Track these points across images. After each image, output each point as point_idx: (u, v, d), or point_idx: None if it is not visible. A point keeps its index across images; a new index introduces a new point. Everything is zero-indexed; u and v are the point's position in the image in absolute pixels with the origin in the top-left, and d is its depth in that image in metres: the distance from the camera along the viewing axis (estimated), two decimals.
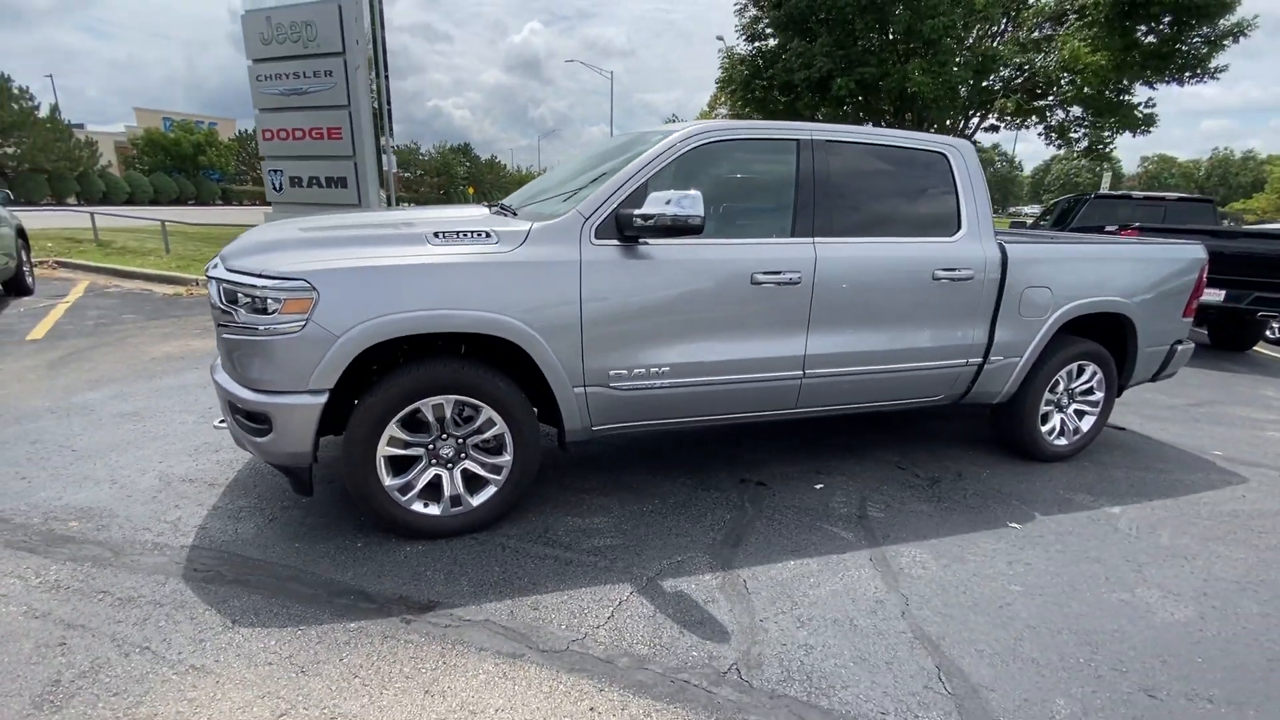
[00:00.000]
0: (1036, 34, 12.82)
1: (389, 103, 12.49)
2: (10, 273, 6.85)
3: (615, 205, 2.58)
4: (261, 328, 2.24)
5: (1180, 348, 3.90)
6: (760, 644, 2.06)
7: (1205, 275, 3.89)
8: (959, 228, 3.21)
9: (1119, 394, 3.95)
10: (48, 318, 6.33)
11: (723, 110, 19.15)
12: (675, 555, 2.56)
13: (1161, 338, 3.81)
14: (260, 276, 2.25)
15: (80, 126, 49.52)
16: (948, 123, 14.32)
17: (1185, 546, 2.82)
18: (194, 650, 1.92)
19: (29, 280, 7.45)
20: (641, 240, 2.61)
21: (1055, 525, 2.97)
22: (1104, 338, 3.74)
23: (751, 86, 14.58)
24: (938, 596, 2.36)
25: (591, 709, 1.76)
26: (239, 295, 2.28)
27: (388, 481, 2.46)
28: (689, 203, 2.37)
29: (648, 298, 2.65)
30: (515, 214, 2.93)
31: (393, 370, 2.42)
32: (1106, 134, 12.43)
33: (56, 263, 9.98)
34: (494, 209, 3.14)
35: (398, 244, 2.42)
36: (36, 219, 14.06)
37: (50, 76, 69.29)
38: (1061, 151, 18.13)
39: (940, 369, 3.26)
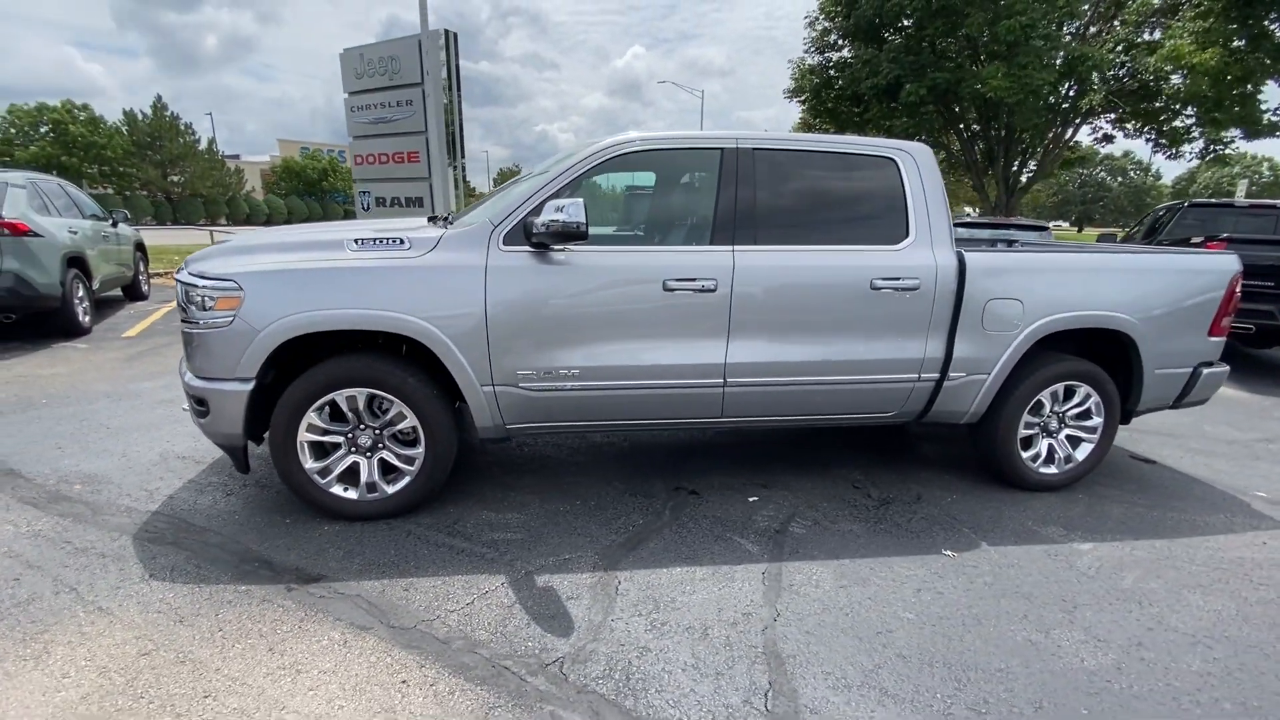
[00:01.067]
0: (1145, 32, 11.63)
1: (461, 127, 13.43)
2: (128, 280, 8.06)
3: (525, 214, 2.71)
4: (201, 322, 2.57)
5: (1207, 371, 3.43)
6: (598, 641, 2.08)
7: (1239, 289, 3.42)
8: (906, 235, 3.05)
9: (1126, 421, 3.55)
10: (147, 319, 7.38)
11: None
12: (565, 553, 2.61)
13: (1178, 359, 3.38)
14: (201, 278, 2.59)
15: (235, 157, 57.01)
16: (1039, 131, 13.30)
17: (1148, 591, 2.49)
18: (107, 595, 2.22)
19: (144, 287, 8.71)
20: (556, 247, 2.73)
21: (999, 557, 2.72)
22: (1104, 357, 3.40)
23: (822, 97, 14.26)
24: (814, 616, 2.26)
25: (404, 681, 1.87)
26: (189, 294, 2.62)
27: (308, 465, 2.71)
28: (573, 209, 2.46)
29: (557, 302, 2.75)
30: (449, 223, 3.14)
31: (317, 363, 2.68)
32: (1227, 138, 10.93)
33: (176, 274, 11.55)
34: (433, 219, 3.36)
35: (321, 250, 2.69)
36: (185, 237, 16.28)
37: (210, 114, 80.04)
38: (1195, 160, 16.25)
39: (885, 383, 3.09)
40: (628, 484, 3.30)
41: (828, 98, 14.53)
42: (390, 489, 2.80)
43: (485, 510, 2.95)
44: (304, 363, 2.72)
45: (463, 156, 14.13)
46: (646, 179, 3.02)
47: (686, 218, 3.11)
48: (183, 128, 43.27)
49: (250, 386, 2.58)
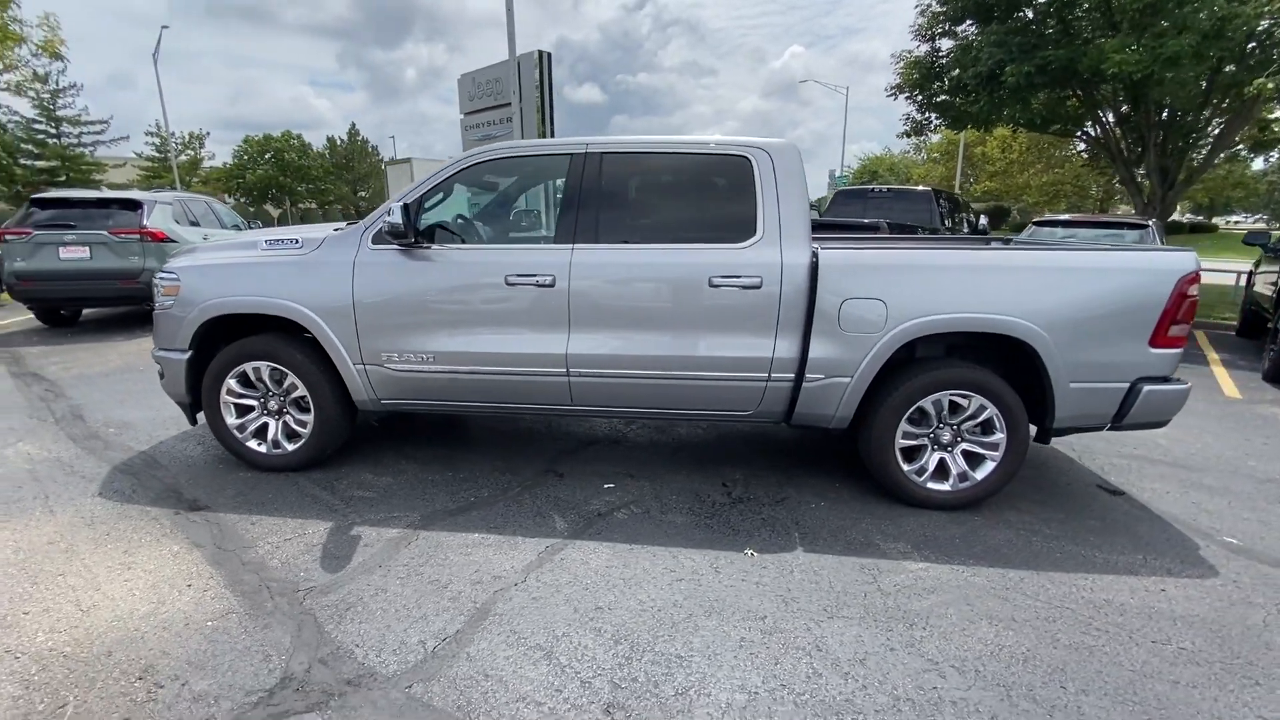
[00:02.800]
0: None
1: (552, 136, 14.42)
2: None
3: (395, 215, 3.13)
4: (157, 305, 3.34)
5: (1150, 388, 2.94)
6: (353, 581, 2.43)
7: (1193, 292, 2.90)
8: (754, 234, 3.01)
9: (1045, 440, 3.15)
10: None
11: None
12: (397, 512, 2.99)
13: (1106, 372, 2.94)
14: (162, 271, 3.35)
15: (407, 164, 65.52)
16: (1189, 116, 11.23)
17: (934, 616, 2.29)
18: (62, 503, 3.01)
19: None
20: (421, 244, 3.13)
21: (802, 562, 2.63)
22: (1015, 366, 3.07)
23: (930, 91, 13.15)
24: (553, 586, 2.41)
25: (189, 584, 2.37)
26: (152, 284, 3.40)
27: (230, 421, 3.36)
28: (394, 213, 2.85)
29: (414, 293, 3.14)
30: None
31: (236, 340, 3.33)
32: None
33: None
34: (350, 222, 3.85)
35: (241, 249, 3.34)
36: None
37: (393, 137, 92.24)
38: None
39: (733, 381, 3.07)
40: (507, 463, 3.60)
41: (939, 90, 13.36)
42: (290, 447, 3.38)
43: (367, 472, 3.43)
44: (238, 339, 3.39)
45: None
46: (499, 184, 3.31)
47: (539, 219, 3.35)
48: (370, 149, 50.40)
49: (188, 356, 3.29)
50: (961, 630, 2.22)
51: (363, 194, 51.52)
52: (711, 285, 2.99)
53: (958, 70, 12.19)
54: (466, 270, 3.12)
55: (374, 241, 3.15)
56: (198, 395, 3.39)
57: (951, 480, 3.11)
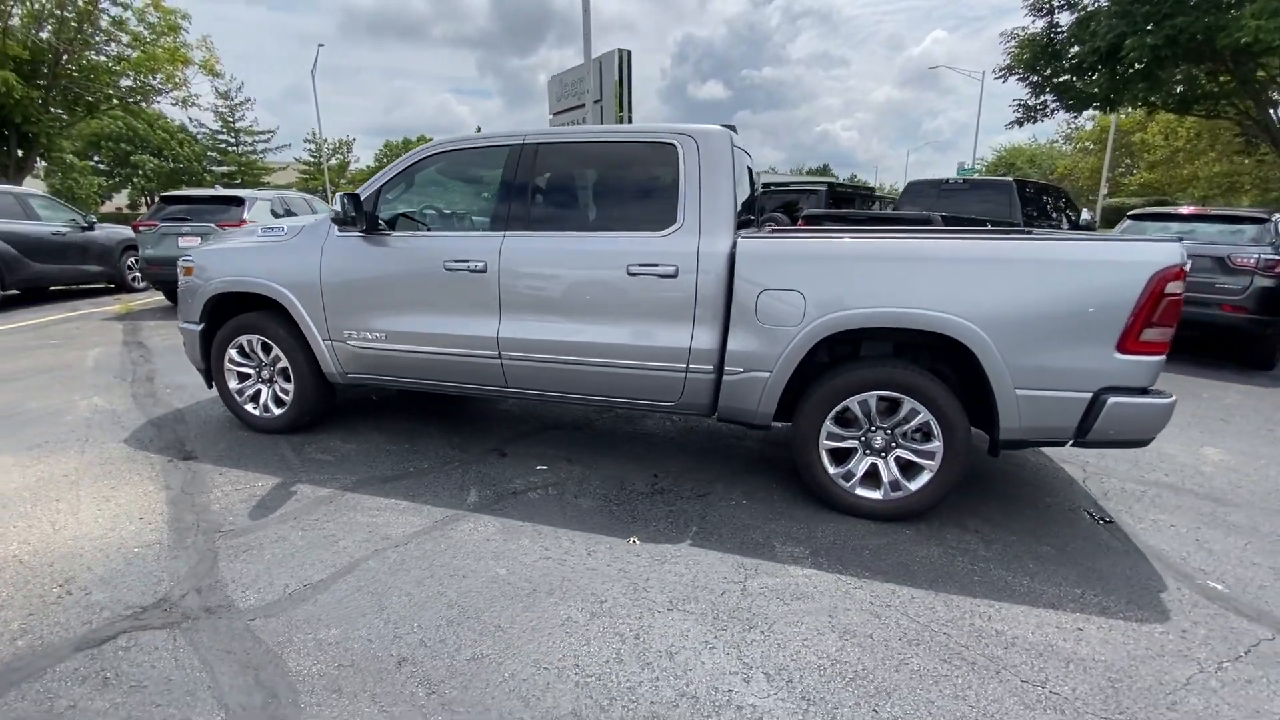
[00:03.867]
0: None
1: None
2: None
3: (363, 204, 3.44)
4: (179, 284, 3.90)
5: (1115, 400, 2.54)
6: (251, 522, 2.73)
7: (1174, 290, 2.47)
8: (674, 222, 2.96)
9: (994, 453, 2.83)
10: None
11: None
12: (336, 475, 3.28)
13: (1061, 379, 2.59)
14: (184, 255, 3.91)
15: None
16: None
17: (780, 624, 2.17)
18: (93, 447, 3.62)
19: None
20: (384, 230, 3.41)
21: (677, 553, 2.58)
22: (964, 369, 2.80)
23: (1041, 70, 11.79)
24: (402, 549, 2.56)
25: (141, 519, 2.78)
26: (178, 266, 3.97)
27: (232, 385, 3.85)
28: (341, 202, 3.13)
29: (370, 276, 3.42)
30: None
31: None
32: None
33: None
34: None
35: (244, 236, 3.80)
36: None
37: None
38: None
39: (652, 371, 3.05)
40: (462, 439, 3.81)
41: (1057, 70, 11.94)
42: (277, 412, 3.81)
43: (338, 439, 3.78)
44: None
45: None
46: (449, 174, 3.50)
47: (481, 208, 3.49)
48: None
49: (200, 327, 3.81)
50: (803, 639, 2.09)
51: None
52: (629, 274, 2.99)
53: (1076, 47, 10.85)
54: (412, 256, 3.35)
55: (339, 228, 3.47)
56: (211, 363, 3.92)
57: (883, 489, 2.88)
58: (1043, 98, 12.49)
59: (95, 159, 33.45)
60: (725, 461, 3.56)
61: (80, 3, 13.39)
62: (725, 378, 2.97)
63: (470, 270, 3.20)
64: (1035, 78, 12.13)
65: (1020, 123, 12.95)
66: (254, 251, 3.66)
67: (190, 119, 33.41)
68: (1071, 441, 2.68)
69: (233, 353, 3.80)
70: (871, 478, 2.91)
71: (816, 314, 2.77)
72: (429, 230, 3.52)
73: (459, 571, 2.43)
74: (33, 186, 15.19)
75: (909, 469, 2.87)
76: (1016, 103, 12.73)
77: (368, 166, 52.56)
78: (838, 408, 2.86)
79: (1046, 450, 3.81)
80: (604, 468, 3.44)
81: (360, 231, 3.37)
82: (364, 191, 3.42)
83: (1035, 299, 2.57)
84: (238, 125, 37.27)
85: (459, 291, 3.27)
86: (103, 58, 14.54)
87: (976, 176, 8.82)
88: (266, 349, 3.74)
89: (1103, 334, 2.52)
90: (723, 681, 1.89)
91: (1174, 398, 2.60)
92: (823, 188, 10.91)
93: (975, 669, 1.97)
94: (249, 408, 3.87)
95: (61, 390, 4.71)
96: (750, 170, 4.32)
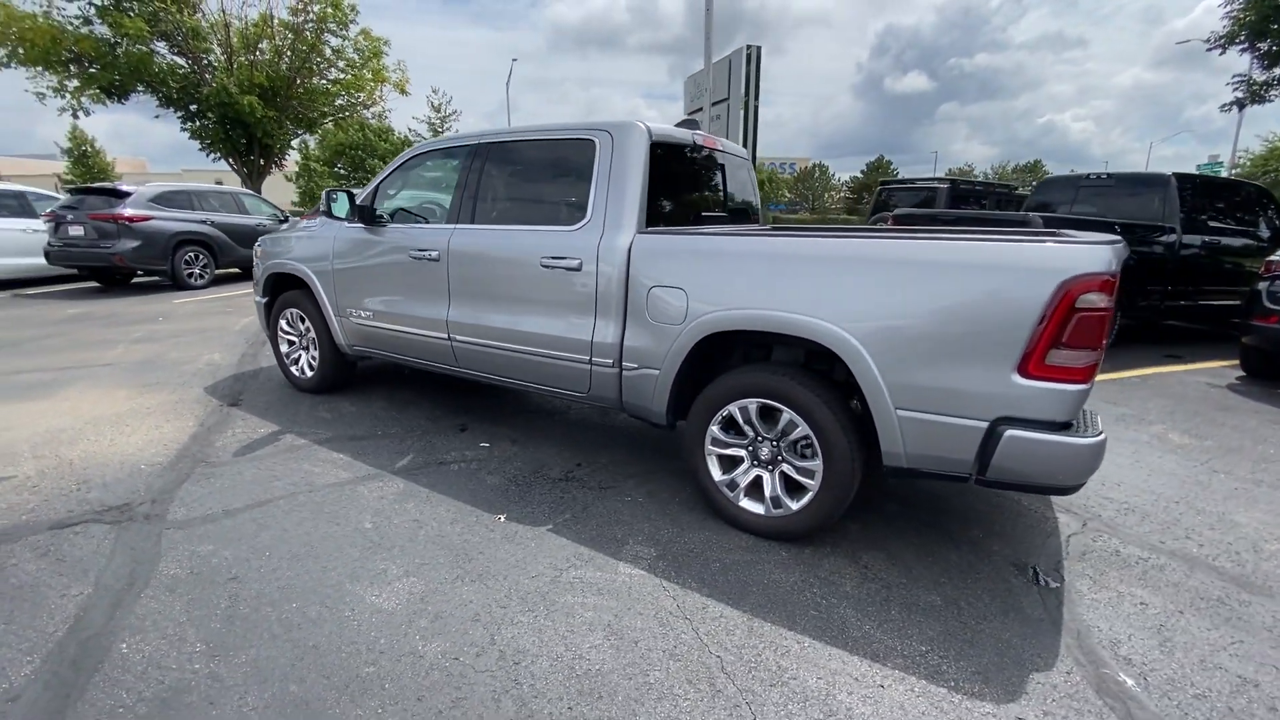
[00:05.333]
0: None
1: (755, 132, 14.22)
2: None
3: (361, 199, 3.98)
4: (254, 266, 4.80)
5: (1014, 434, 2.12)
6: (231, 456, 3.33)
7: (1086, 305, 2.01)
8: (584, 216, 3.02)
9: (881, 478, 2.49)
10: None
11: None
12: (321, 430, 3.84)
13: (951, 403, 2.22)
14: (257, 243, 4.80)
15: None
16: None
17: (508, 598, 2.18)
18: (181, 390, 4.62)
19: None
20: (380, 222, 3.93)
21: (526, 534, 2.66)
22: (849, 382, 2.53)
23: (1274, 33, 9.25)
24: (315, 495, 2.94)
25: (167, 441, 3.56)
26: (254, 252, 4.88)
27: (282, 350, 4.66)
28: (327, 197, 3.64)
29: (364, 263, 3.94)
30: None
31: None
32: None
33: None
34: None
35: (301, 227, 4.56)
36: None
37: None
38: None
39: (560, 361, 3.14)
40: (440, 413, 4.20)
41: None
42: (309, 374, 4.53)
43: (347, 402, 4.39)
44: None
45: (753, 157, 14.96)
46: (428, 173, 3.85)
47: (441, 203, 3.79)
48: None
49: (264, 300, 4.67)
50: (566, 631, 2.09)
51: None
52: (543, 266, 3.11)
53: None
54: (393, 245, 3.79)
55: (347, 219, 4.04)
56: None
57: (765, 505, 2.69)
58: (1274, 69, 9.81)
59: (338, 166, 40.64)
60: (660, 460, 3.52)
61: (310, 37, 16.59)
62: (624, 373, 2.97)
63: (429, 259, 3.56)
64: (1267, 45, 9.58)
65: (1240, 104, 10.28)
66: (296, 239, 4.40)
67: (410, 130, 39.13)
68: (972, 478, 2.28)
69: (282, 323, 4.59)
70: (758, 490, 2.73)
71: (697, 313, 2.67)
72: (415, 223, 3.95)
73: (336, 519, 2.78)
74: (283, 187, 18.93)
75: (795, 486, 2.64)
76: (1238, 79, 10.15)
77: None
78: (722, 412, 2.72)
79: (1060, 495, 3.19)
80: (537, 451, 3.60)
81: (361, 223, 3.90)
82: (369, 187, 3.95)
83: (920, 307, 2.23)
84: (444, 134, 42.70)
85: (421, 277, 3.64)
86: (323, 82, 17.85)
87: (1126, 172, 7.28)
88: (302, 321, 4.47)
89: (999, 353, 2.12)
90: (459, 651, 1.99)
91: (1100, 436, 2.11)
92: (945, 185, 9.79)
93: (717, 698, 1.83)
94: (293, 370, 4.65)
95: (200, 346, 6.02)
96: (749, 170, 4.17)
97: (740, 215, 4.00)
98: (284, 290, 4.58)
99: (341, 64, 17.98)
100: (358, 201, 3.77)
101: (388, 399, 4.49)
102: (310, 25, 16.97)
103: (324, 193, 3.84)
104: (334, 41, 17.95)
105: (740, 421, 2.69)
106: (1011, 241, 2.15)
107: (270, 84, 16.05)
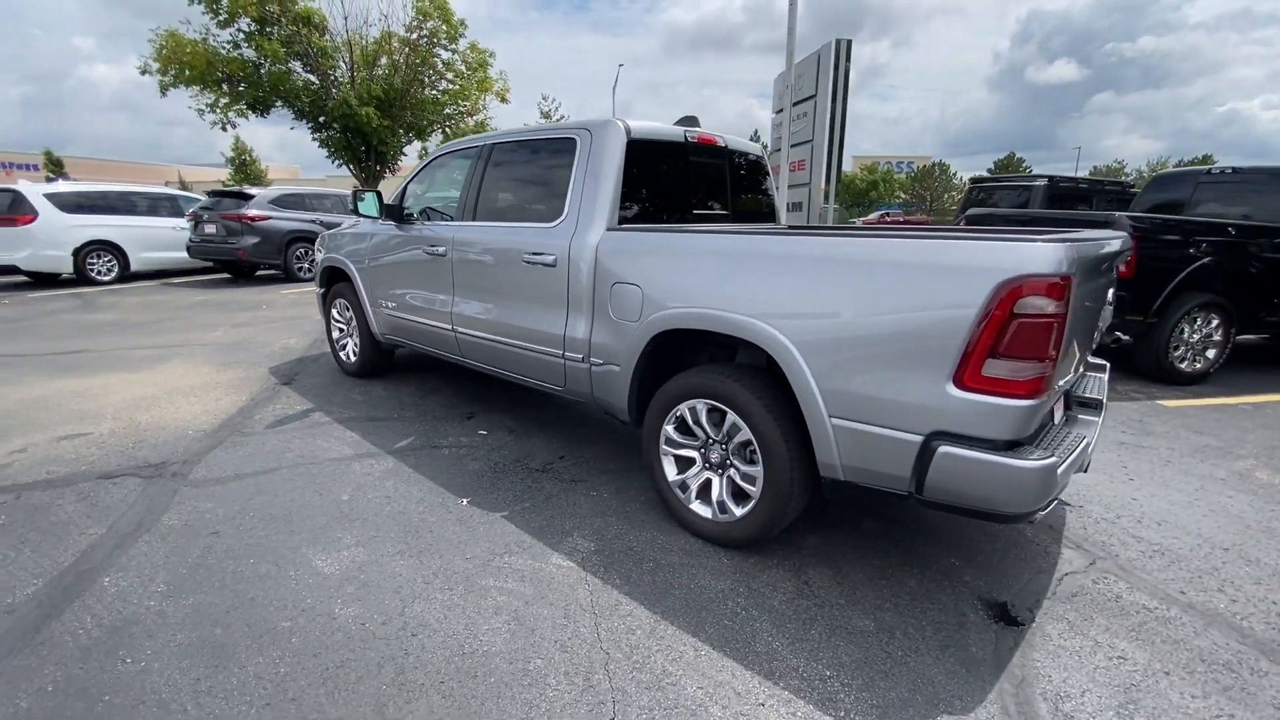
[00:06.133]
0: None
1: (842, 132, 13.52)
2: None
3: (392, 199, 4.30)
4: (316, 259, 5.31)
5: (947, 450, 1.93)
6: (267, 426, 3.72)
7: (1027, 309, 1.80)
8: (562, 213, 3.08)
9: (819, 494, 2.35)
10: None
11: None
12: (344, 410, 4.19)
13: (884, 414, 2.06)
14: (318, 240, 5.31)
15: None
16: None
17: (435, 577, 2.26)
18: (250, 368, 5.21)
19: None
20: (406, 220, 4.23)
21: (479, 519, 2.77)
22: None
23: None
24: (302, 464, 3.22)
25: (220, 413, 4.05)
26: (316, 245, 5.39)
27: (334, 337, 5.13)
28: (358, 196, 3.97)
29: (390, 257, 4.26)
30: None
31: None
32: None
33: None
34: None
35: (349, 226, 5.00)
36: None
37: (756, 139, 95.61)
38: None
39: (540, 355, 3.22)
40: (459, 402, 4.43)
41: None
42: (353, 359, 4.95)
43: (380, 387, 4.75)
44: None
45: (838, 159, 14.32)
46: (450, 174, 4.05)
47: (455, 202, 3.97)
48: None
49: (322, 291, 5.17)
50: (471, 611, 2.17)
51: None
52: (525, 261, 3.22)
53: None
54: (412, 242, 4.07)
55: (379, 217, 4.38)
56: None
57: (712, 508, 2.62)
58: None
59: None
60: (641, 458, 3.51)
61: (422, 52, 18.02)
62: (592, 369, 3.01)
63: (438, 254, 3.78)
64: None
65: None
66: (345, 237, 4.82)
67: None
68: (911, 494, 2.10)
69: (334, 312, 5.06)
70: (708, 494, 2.66)
71: (650, 310, 2.65)
72: (436, 220, 4.20)
73: (321, 490, 3.04)
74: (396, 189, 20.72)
75: (741, 493, 2.55)
76: None
77: None
78: (675, 412, 2.68)
79: (1077, 525, 2.83)
80: (529, 442, 3.72)
81: (391, 221, 4.22)
82: (400, 188, 4.26)
83: (853, 310, 2.09)
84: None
85: (433, 272, 3.88)
86: (434, 93, 19.31)
87: (1257, 165, 6.19)
88: (347, 310, 4.90)
89: (933, 362, 1.94)
90: (368, 618, 2.12)
91: (1048, 460, 1.86)
92: (1041, 183, 8.84)
93: (586, 693, 1.83)
94: (341, 355, 5.10)
95: (284, 332, 6.75)
96: (765, 167, 4.05)
97: (749, 214, 3.90)
98: (336, 282, 5.03)
99: (450, 75, 19.36)
100: (388, 201, 4.08)
101: (417, 386, 4.81)
102: (424, 40, 18.41)
103: (353, 191, 4.19)
104: (444, 55, 19.39)
105: (691, 423, 2.64)
106: (947, 239, 1.95)
107: (385, 96, 17.65)
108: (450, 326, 3.79)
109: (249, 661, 1.92)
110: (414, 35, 18.34)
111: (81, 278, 10.17)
